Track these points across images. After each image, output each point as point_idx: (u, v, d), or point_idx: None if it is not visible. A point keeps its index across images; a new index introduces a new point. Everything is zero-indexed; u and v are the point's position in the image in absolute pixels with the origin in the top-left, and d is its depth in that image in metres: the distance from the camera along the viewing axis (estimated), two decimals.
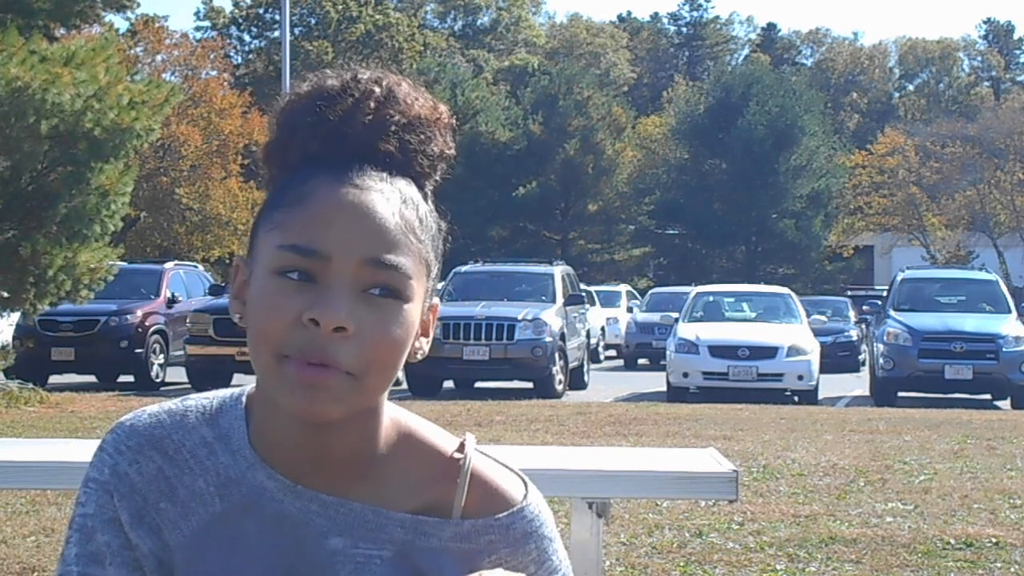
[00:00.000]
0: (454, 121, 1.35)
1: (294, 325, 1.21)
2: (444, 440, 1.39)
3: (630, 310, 31.40)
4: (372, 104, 1.28)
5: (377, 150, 1.28)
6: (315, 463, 1.30)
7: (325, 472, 1.31)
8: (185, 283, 20.96)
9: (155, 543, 1.31)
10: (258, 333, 1.24)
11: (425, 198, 1.32)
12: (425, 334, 1.33)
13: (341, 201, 1.25)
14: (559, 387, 17.86)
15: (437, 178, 1.34)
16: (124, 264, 18.35)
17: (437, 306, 1.35)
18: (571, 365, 18.68)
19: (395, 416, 1.36)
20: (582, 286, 23.66)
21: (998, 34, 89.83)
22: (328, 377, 1.21)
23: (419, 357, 1.32)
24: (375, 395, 1.27)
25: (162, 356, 19.34)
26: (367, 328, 1.22)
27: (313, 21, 63.03)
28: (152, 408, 1.37)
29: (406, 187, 1.29)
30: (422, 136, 1.30)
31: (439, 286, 1.44)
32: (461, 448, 1.38)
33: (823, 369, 18.73)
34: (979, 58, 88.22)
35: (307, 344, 1.21)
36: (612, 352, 30.12)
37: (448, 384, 18.21)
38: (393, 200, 1.27)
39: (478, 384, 18.46)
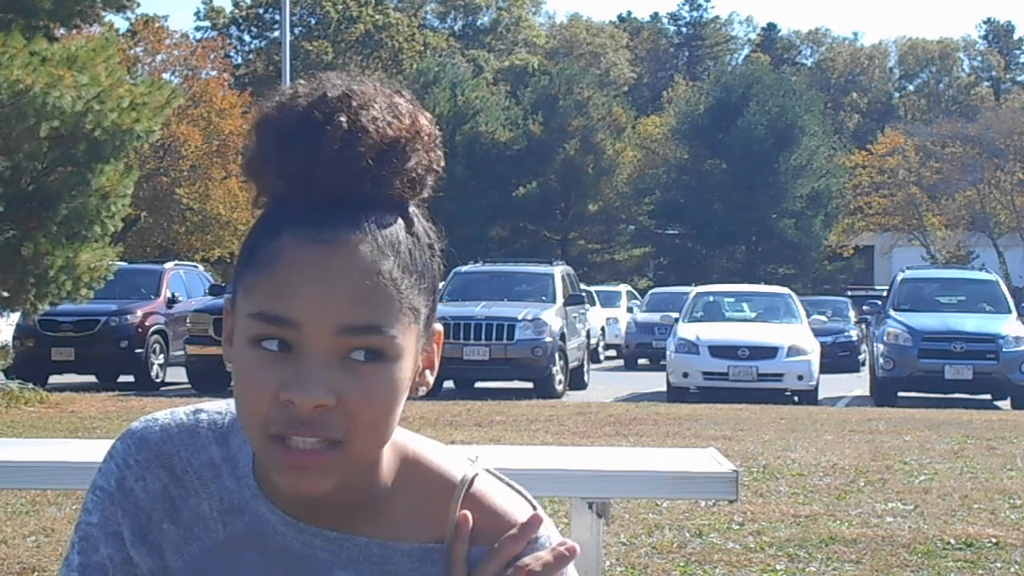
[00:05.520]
0: (436, 131, 1.24)
1: (274, 403, 1.17)
2: (453, 464, 1.33)
3: (630, 310, 31.41)
4: (336, 143, 1.17)
5: (346, 190, 1.19)
6: (314, 505, 1.27)
7: (326, 511, 1.28)
8: (185, 283, 20.96)
9: (155, 563, 1.30)
10: (242, 407, 1.20)
11: (409, 223, 1.23)
12: (429, 366, 1.28)
13: (308, 264, 1.17)
14: (559, 387, 17.86)
15: (426, 194, 1.25)
16: (124, 264, 18.36)
17: (440, 333, 1.29)
18: (571, 365, 18.68)
19: (400, 441, 1.31)
20: (582, 286, 23.66)
21: (998, 34, 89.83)
22: (317, 461, 1.17)
23: (421, 392, 1.27)
24: (366, 458, 1.23)
25: (162, 356, 19.34)
26: (350, 396, 1.17)
27: (313, 21, 63.07)
28: (164, 418, 1.34)
29: (383, 226, 1.20)
30: (397, 160, 1.20)
31: (439, 286, 1.34)
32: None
33: (823, 369, 18.73)
34: (979, 58, 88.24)
35: (290, 422, 1.17)
36: (612, 352, 30.12)
37: (448, 384, 18.22)
38: (367, 252, 1.18)
39: (478, 384, 18.46)
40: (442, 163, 1.25)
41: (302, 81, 1.24)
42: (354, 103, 1.19)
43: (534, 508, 1.33)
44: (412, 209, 1.25)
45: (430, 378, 1.28)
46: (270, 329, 1.17)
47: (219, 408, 1.34)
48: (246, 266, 1.21)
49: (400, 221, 1.22)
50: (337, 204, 1.19)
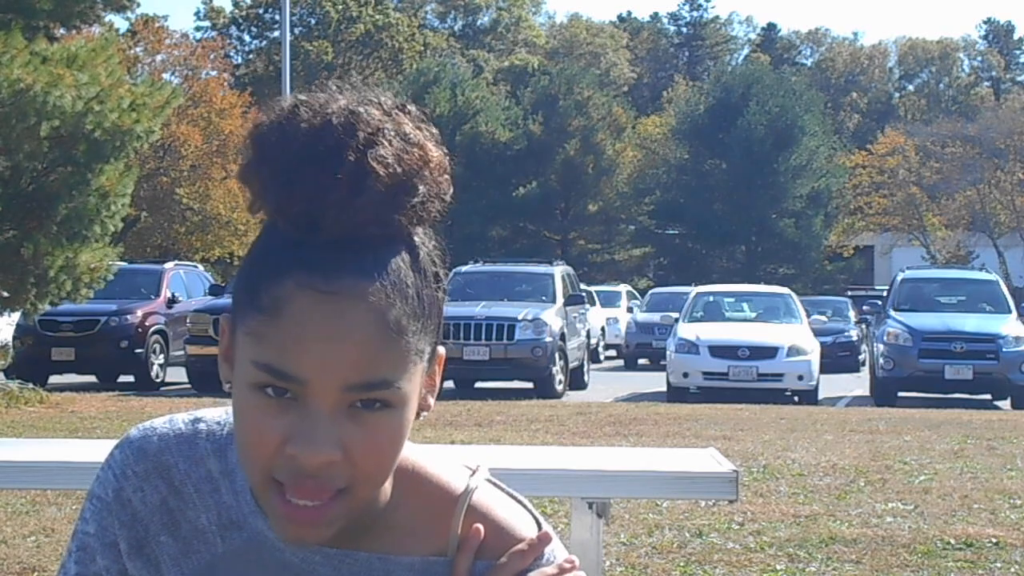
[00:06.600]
0: (445, 158, 1.19)
1: (278, 452, 1.15)
2: (453, 475, 1.31)
3: (630, 310, 31.42)
4: (344, 190, 1.12)
5: (353, 234, 1.14)
6: None
7: None
8: (185, 283, 20.97)
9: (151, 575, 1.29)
10: (243, 449, 1.18)
11: (415, 255, 1.19)
12: (431, 388, 1.25)
13: (315, 319, 1.13)
14: (559, 387, 17.86)
15: (433, 216, 1.20)
16: (124, 264, 18.35)
17: (443, 356, 1.26)
18: (571, 365, 18.69)
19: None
20: (582, 286, 23.67)
21: (998, 34, 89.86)
22: (319, 516, 1.16)
23: (424, 416, 1.25)
24: (367, 501, 1.21)
25: (162, 356, 19.34)
26: (356, 446, 1.15)
27: (313, 21, 63.09)
28: (162, 427, 1.32)
29: (390, 268, 1.16)
30: (405, 196, 1.15)
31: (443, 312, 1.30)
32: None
33: (823, 369, 18.73)
34: (979, 58, 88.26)
35: (295, 473, 1.15)
36: (612, 352, 30.12)
37: (448, 384, 18.22)
38: (374, 303, 1.14)
39: (478, 384, 18.46)
40: (450, 189, 1.20)
41: (302, 96, 1.18)
42: (360, 135, 1.14)
43: (538, 522, 1.31)
44: (417, 238, 1.20)
45: (431, 400, 1.26)
46: (276, 381, 1.14)
47: (218, 418, 1.32)
48: (249, 306, 1.16)
49: (405, 255, 1.18)
50: (343, 245, 1.15)
